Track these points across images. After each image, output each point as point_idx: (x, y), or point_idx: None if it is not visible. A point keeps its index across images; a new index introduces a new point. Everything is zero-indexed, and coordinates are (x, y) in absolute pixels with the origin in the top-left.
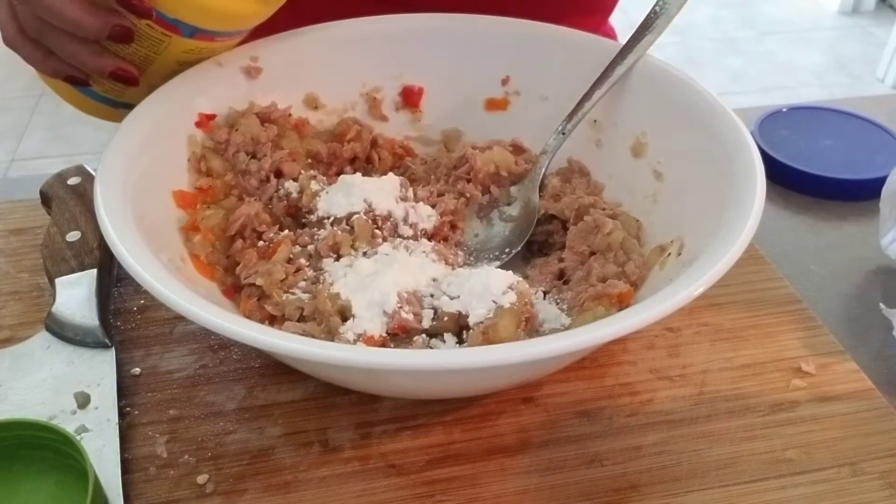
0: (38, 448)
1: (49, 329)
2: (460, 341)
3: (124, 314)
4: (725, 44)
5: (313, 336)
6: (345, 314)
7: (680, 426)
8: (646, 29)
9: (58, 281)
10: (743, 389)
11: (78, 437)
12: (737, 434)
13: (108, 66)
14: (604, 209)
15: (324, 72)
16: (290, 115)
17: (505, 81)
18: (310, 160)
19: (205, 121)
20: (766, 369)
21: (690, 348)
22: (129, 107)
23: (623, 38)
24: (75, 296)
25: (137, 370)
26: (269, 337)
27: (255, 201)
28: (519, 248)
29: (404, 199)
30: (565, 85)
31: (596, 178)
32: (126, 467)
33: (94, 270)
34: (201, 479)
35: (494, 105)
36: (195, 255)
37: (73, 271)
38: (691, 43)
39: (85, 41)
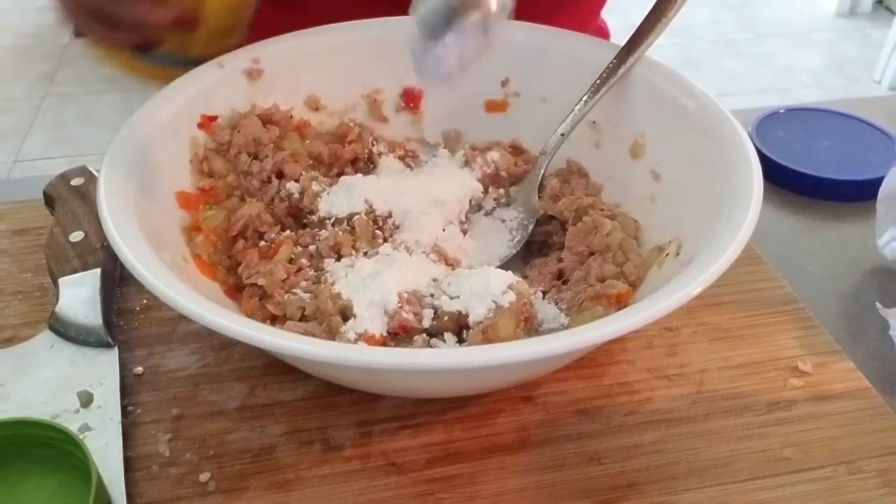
0: (41, 447)
1: (52, 329)
2: (460, 341)
3: (127, 314)
4: (724, 45)
5: (314, 335)
6: (346, 314)
7: (678, 425)
8: (644, 30)
9: (61, 281)
10: (740, 388)
11: (81, 436)
12: (734, 433)
13: (167, 15)
14: (602, 210)
15: (325, 73)
16: (291, 116)
17: (505, 83)
18: (311, 161)
19: (207, 122)
20: (764, 368)
21: (688, 348)
22: (196, 62)
23: (621, 37)
24: (78, 295)
25: (140, 369)
26: (271, 336)
27: (257, 202)
28: (518, 249)
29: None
30: (564, 86)
31: (595, 179)
32: (129, 466)
33: (97, 270)
34: (203, 477)
35: (494, 106)
36: (197, 255)
37: (76, 271)
38: (690, 44)
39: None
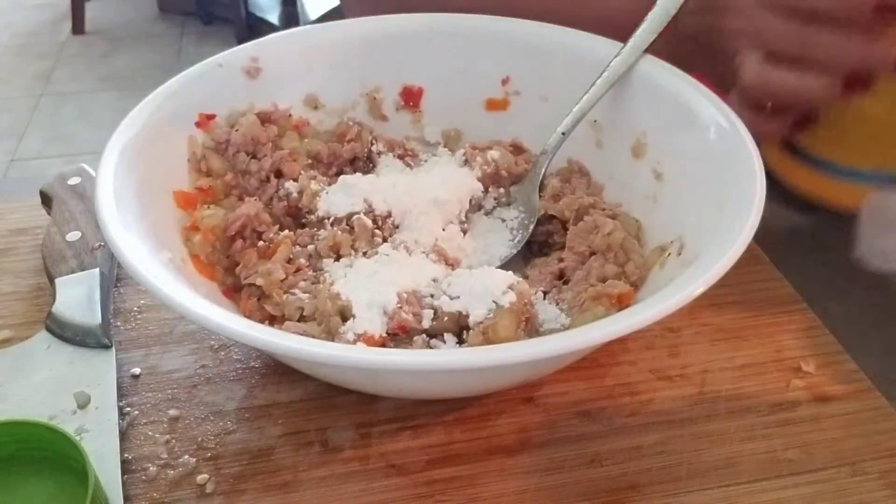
0: (38, 448)
1: (49, 329)
2: (460, 341)
3: (124, 314)
4: None
5: (313, 336)
6: (345, 314)
7: (680, 426)
8: (646, 28)
9: (58, 281)
10: (743, 389)
11: (78, 438)
12: (737, 434)
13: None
14: (604, 209)
15: (324, 72)
16: (290, 115)
17: (505, 81)
18: (310, 160)
19: (205, 121)
20: (766, 369)
21: (690, 348)
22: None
23: None
24: (75, 296)
25: (137, 370)
26: (269, 337)
27: (256, 201)
28: (519, 248)
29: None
30: (565, 85)
31: (596, 179)
32: (126, 467)
33: (95, 270)
34: (201, 479)
35: (494, 105)
36: (195, 255)
37: (73, 271)
38: None
39: (852, 27)
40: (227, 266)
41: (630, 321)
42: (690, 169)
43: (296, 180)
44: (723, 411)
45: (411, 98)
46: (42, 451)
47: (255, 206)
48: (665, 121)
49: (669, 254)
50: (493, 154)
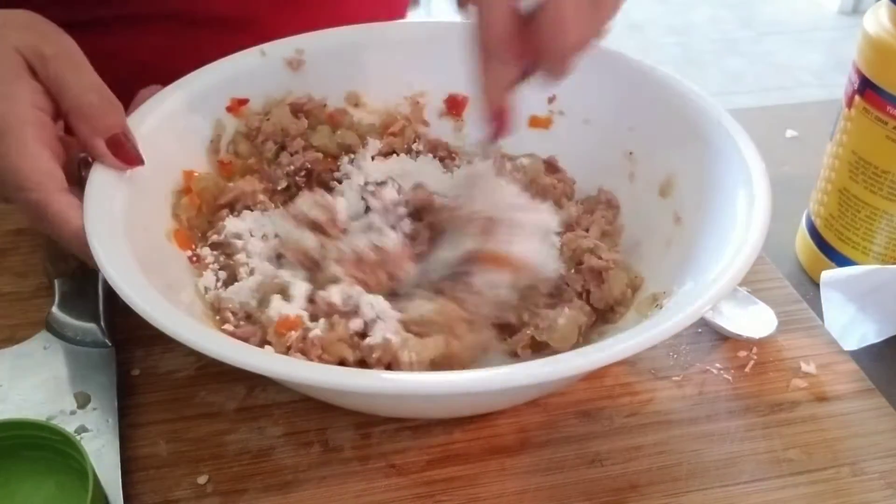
0: (37, 448)
1: (49, 329)
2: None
3: (124, 314)
4: (725, 44)
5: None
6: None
7: (680, 426)
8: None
9: (58, 281)
10: (743, 389)
11: (78, 437)
12: (737, 434)
13: None
14: (601, 258)
15: (370, 71)
16: (325, 105)
17: (551, 100)
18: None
19: (236, 105)
20: (767, 369)
21: (690, 348)
22: None
23: (624, 38)
24: (75, 296)
25: (137, 370)
26: (273, 364)
27: (257, 181)
28: None
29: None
30: (610, 111)
31: (621, 215)
32: (126, 467)
33: (95, 270)
34: (201, 479)
35: (537, 122)
36: (178, 230)
37: (73, 272)
38: (691, 43)
39: None
40: (206, 231)
41: (640, 338)
42: (703, 214)
43: (329, 189)
44: (723, 411)
45: (455, 107)
46: (42, 451)
47: (253, 184)
48: (697, 166)
49: (658, 306)
50: (524, 160)
